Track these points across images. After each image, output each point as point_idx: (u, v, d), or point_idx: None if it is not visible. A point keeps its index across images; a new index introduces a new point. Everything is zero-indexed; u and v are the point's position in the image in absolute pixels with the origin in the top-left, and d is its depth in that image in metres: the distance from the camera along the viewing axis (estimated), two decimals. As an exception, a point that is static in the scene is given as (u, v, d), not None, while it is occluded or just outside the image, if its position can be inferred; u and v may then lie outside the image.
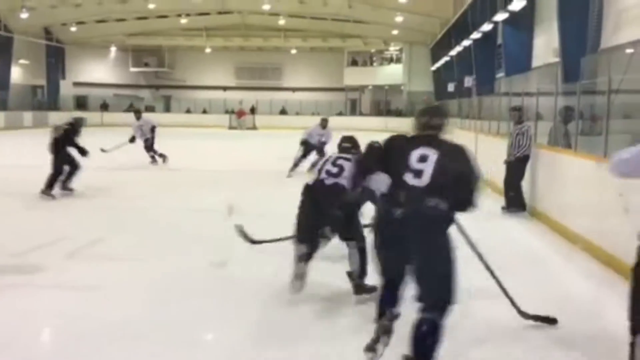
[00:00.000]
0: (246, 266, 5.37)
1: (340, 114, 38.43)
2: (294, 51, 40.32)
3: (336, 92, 40.34)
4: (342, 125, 32.69)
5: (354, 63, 39.40)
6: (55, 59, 36.92)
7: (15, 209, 7.98)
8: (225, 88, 42.02)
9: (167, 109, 41.51)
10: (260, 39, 39.30)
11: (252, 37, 39.04)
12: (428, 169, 3.00)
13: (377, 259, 3.17)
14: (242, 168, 13.50)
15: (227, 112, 38.71)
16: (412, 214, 2.93)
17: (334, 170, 4.22)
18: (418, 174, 3.00)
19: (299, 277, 4.28)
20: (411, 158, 3.03)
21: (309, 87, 41.16)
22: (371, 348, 3.16)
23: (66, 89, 37.85)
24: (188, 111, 39.81)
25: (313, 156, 11.69)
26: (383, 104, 40.29)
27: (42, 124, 29.96)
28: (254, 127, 34.94)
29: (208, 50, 40.37)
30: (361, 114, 38.95)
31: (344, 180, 4.14)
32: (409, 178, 2.99)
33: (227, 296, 4.62)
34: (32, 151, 12.52)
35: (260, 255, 5.58)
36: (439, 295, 2.97)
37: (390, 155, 3.13)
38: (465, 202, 3.00)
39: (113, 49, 41.14)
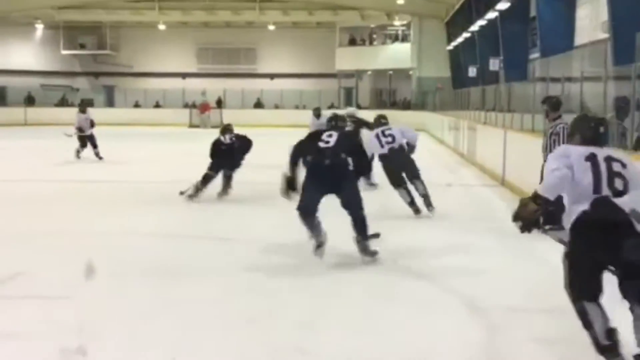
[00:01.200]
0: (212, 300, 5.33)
1: (332, 106, 38.38)
2: (271, 27, 40.40)
3: (326, 79, 40.46)
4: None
5: (350, 42, 39.56)
6: (-38, 39, 36.90)
7: None
8: (184, 75, 42.12)
9: (110, 102, 41.57)
10: (229, 12, 39.30)
11: (218, 10, 39.05)
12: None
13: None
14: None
15: (186, 105, 38.79)
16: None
17: (389, 139, 8.63)
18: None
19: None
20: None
21: (291, 73, 41.32)
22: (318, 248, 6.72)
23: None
24: (136, 105, 39.86)
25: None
26: (386, 93, 40.45)
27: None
28: (222, 125, 34.92)
29: (162, 27, 40.39)
30: (358, 106, 38.96)
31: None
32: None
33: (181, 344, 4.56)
34: None
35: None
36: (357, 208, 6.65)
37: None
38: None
39: (39, 26, 41.28)
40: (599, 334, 3.88)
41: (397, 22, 37.92)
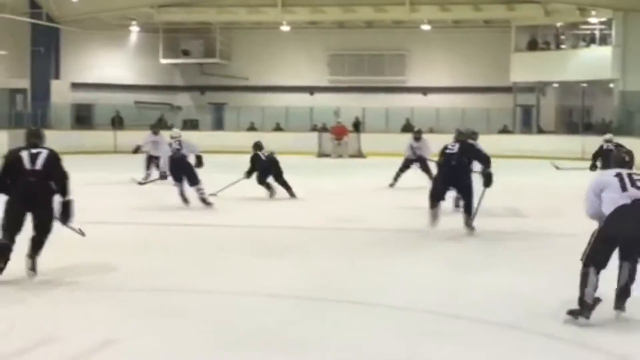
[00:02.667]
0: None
1: (504, 130, 38.10)
2: (425, 27, 40.51)
3: (497, 95, 40.05)
4: (509, 148, 32.70)
5: (529, 46, 39.09)
6: (45, 46, 38.99)
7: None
8: (312, 90, 42.72)
9: (218, 124, 42.54)
10: (370, 9, 39.69)
11: (357, 7, 39.53)
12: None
13: None
14: (339, 225, 13.94)
15: (314, 129, 39.25)
16: None
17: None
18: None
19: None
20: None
21: (450, 87, 41.15)
22: None
23: (61, 93, 39.75)
24: (251, 128, 40.62)
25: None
26: (577, 113, 39.55)
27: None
28: (360, 155, 35.16)
29: (285, 28, 41.25)
30: (540, 130, 38.45)
31: None
32: None
33: None
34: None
35: None
36: None
37: None
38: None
39: (134, 29, 42.65)
40: (587, 295, 7.13)
41: (593, 19, 37.20)
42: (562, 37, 38.92)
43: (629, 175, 7.40)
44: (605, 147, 19.05)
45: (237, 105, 42.33)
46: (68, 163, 9.17)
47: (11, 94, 38.36)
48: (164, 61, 43.09)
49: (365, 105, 39.81)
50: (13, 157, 8.96)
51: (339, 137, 35.93)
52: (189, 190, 16.25)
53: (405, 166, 20.53)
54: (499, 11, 38.61)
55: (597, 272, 7.15)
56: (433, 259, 10.51)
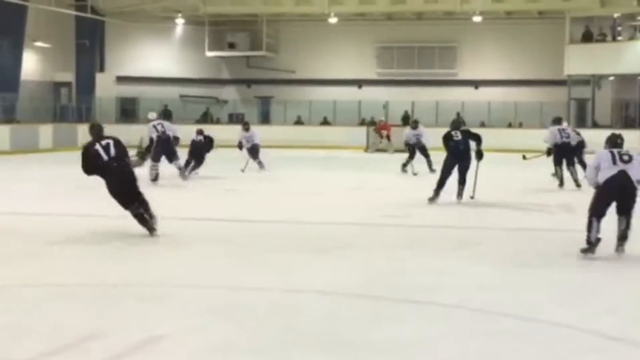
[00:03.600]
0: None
1: (556, 120, 37.67)
2: (477, 18, 40.24)
3: (551, 88, 39.71)
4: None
5: (584, 38, 38.61)
6: (90, 39, 39.31)
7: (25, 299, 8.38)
8: (360, 83, 42.68)
9: (265, 118, 42.64)
10: (420, 0, 39.62)
11: (407, -2, 39.54)
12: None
13: None
14: (385, 221, 13.92)
15: (363, 123, 39.20)
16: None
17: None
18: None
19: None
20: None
21: (502, 80, 40.90)
22: None
23: (106, 87, 40.17)
24: (298, 122, 40.73)
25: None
26: (634, 107, 39.05)
27: (68, 144, 31.69)
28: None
29: (332, 20, 41.22)
30: (595, 124, 37.99)
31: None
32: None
33: None
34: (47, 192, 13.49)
35: None
36: None
37: None
38: None
39: (180, 21, 42.94)
40: (592, 236, 9.95)
41: (651, 10, 36.75)
42: (619, 28, 38.43)
43: (619, 152, 10.29)
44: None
45: (283, 98, 42.44)
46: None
47: (56, 87, 38.77)
48: (209, 54, 43.27)
49: (414, 98, 39.69)
50: (90, 152, 11.42)
51: (382, 133, 35.82)
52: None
53: (412, 152, 23.72)
54: (553, 2, 38.31)
55: (599, 221, 10.11)
56: (481, 256, 10.37)
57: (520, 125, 39.19)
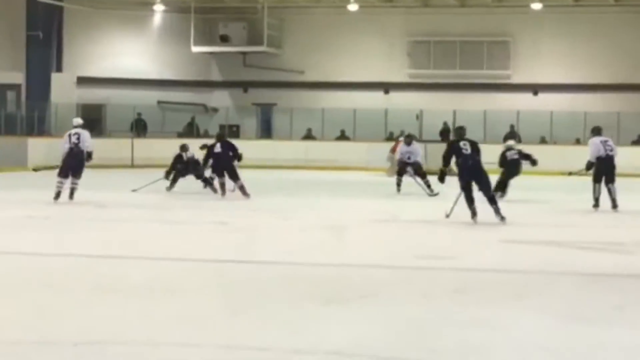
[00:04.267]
0: None
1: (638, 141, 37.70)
2: (536, 6, 40.38)
3: (631, 95, 39.81)
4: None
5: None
6: (44, 31, 39.35)
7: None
8: (387, 87, 42.68)
9: (266, 130, 42.67)
10: (464, -18, 39.81)
11: (446, -20, 39.66)
12: None
13: None
14: (422, 264, 14.01)
15: (391, 138, 39.12)
16: None
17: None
18: None
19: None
20: None
21: (567, 85, 40.92)
22: None
23: (64, 90, 40.14)
24: (308, 136, 40.70)
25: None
26: None
27: (13, 164, 31.67)
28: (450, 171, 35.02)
29: (352, 7, 41.39)
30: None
31: None
32: None
33: None
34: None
35: None
36: None
37: None
38: None
39: (159, 8, 43.14)
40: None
41: None
42: None
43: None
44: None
45: (289, 106, 42.51)
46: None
47: (1, 90, 38.65)
48: (196, 49, 43.48)
49: (456, 107, 39.81)
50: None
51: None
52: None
53: (402, 169, 26.85)
54: (633, -15, 38.40)
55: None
56: (543, 308, 10.32)
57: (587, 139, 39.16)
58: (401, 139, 36.64)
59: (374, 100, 41.62)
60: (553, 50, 41.50)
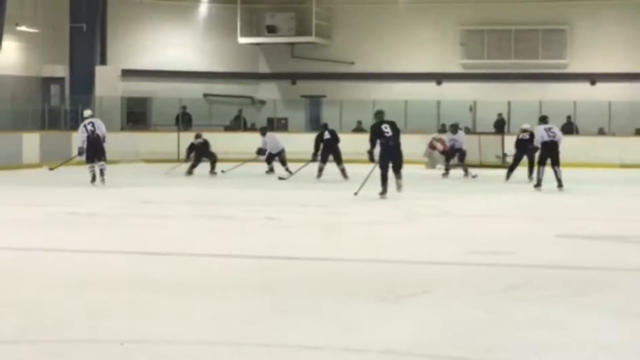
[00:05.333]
0: None
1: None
2: (595, -7, 40.15)
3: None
4: None
5: None
6: (88, 23, 39.48)
7: None
8: (440, 78, 42.54)
9: (315, 123, 42.54)
10: (519, -31, 39.60)
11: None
12: None
13: None
14: (476, 260, 13.93)
15: (443, 129, 38.93)
16: None
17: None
18: None
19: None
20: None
21: (627, 74, 40.65)
22: None
23: (109, 84, 40.29)
24: (359, 128, 40.53)
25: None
26: None
27: (58, 158, 31.78)
28: (503, 164, 34.84)
29: (402, -3, 41.26)
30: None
31: None
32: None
33: None
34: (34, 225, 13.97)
35: None
36: None
37: None
38: None
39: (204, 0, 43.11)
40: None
41: None
42: None
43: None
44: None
45: (339, 98, 42.47)
46: (117, 175, 9.20)
47: (44, 84, 38.87)
48: (242, 41, 43.50)
49: (511, 98, 39.74)
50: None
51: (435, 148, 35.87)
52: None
53: (450, 155, 31.71)
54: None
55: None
56: (603, 306, 10.25)
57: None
58: (436, 135, 36.87)
59: (426, 91, 41.47)
60: (611, 38, 41.23)
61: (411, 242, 15.56)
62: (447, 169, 31.09)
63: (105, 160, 25.56)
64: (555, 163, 25.17)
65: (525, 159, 28.70)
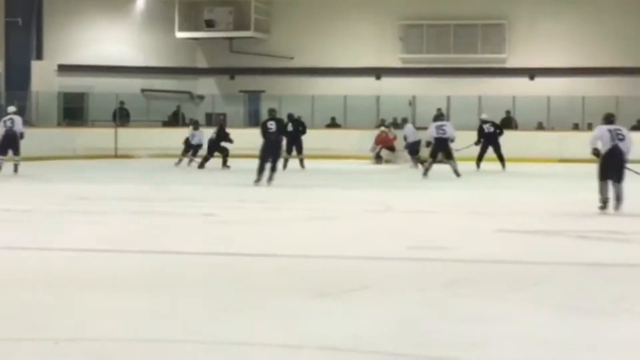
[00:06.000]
0: None
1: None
2: (533, -12, 40.38)
3: (631, 79, 39.86)
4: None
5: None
6: (23, 17, 39.16)
7: None
8: (379, 73, 42.63)
9: (254, 118, 42.57)
10: (457, -37, 39.75)
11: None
12: None
13: None
14: (416, 255, 13.98)
15: (382, 124, 39.09)
16: None
17: None
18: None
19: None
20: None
21: (565, 69, 40.95)
22: None
23: (45, 79, 39.93)
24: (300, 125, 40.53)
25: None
26: None
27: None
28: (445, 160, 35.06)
29: (342, -10, 41.28)
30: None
31: None
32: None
33: None
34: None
35: None
36: None
37: None
38: None
39: (141, -8, 42.94)
40: (602, 197, 18.29)
41: None
42: None
43: (616, 129, 18.48)
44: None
45: (277, 93, 42.26)
46: (52, 171, 9.16)
47: (-22, 80, 38.50)
48: (180, 35, 43.43)
49: (450, 92, 39.79)
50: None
51: (379, 143, 36.08)
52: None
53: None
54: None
55: (607, 183, 18.11)
56: (541, 300, 10.34)
57: (590, 127, 38.99)
58: (381, 129, 36.99)
59: (365, 86, 41.51)
60: (550, 33, 41.47)
61: (352, 238, 15.59)
62: (420, 163, 31.55)
63: (19, 155, 27.72)
64: (449, 157, 27.81)
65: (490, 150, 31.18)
